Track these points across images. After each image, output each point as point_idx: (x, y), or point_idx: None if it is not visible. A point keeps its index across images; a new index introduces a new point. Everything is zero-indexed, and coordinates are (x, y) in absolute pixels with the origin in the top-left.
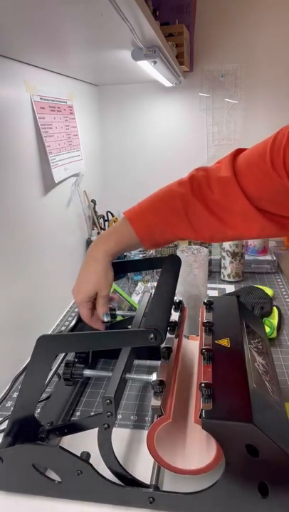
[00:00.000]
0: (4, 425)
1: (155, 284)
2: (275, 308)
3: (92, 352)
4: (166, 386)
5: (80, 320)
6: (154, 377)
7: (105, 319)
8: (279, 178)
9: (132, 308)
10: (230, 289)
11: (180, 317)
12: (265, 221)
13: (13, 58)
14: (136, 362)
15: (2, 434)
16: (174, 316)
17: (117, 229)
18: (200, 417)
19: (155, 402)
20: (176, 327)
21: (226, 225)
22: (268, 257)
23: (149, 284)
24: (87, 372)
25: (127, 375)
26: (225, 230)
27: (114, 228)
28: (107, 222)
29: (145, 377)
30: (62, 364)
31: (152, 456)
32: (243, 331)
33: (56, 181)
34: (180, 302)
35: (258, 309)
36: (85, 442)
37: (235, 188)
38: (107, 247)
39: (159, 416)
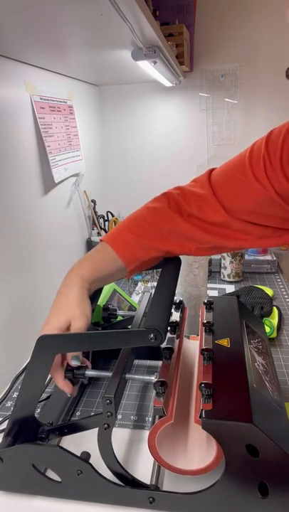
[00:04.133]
0: (4, 425)
1: (155, 284)
2: (275, 308)
3: (92, 352)
4: (168, 387)
5: None
6: (154, 377)
7: (73, 363)
8: (264, 189)
9: (132, 308)
10: (230, 289)
11: (181, 317)
12: (240, 232)
13: (13, 58)
14: (136, 362)
15: (2, 434)
16: (175, 316)
17: (91, 254)
18: (200, 417)
19: (157, 402)
20: (176, 327)
21: (206, 235)
22: (268, 257)
23: (149, 284)
24: (89, 372)
25: (127, 375)
26: (206, 239)
27: (87, 254)
28: (107, 222)
29: (145, 377)
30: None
31: (153, 456)
32: (243, 331)
33: (56, 181)
34: (180, 302)
35: (258, 309)
36: (85, 442)
37: (213, 202)
38: (81, 271)
39: (161, 417)
